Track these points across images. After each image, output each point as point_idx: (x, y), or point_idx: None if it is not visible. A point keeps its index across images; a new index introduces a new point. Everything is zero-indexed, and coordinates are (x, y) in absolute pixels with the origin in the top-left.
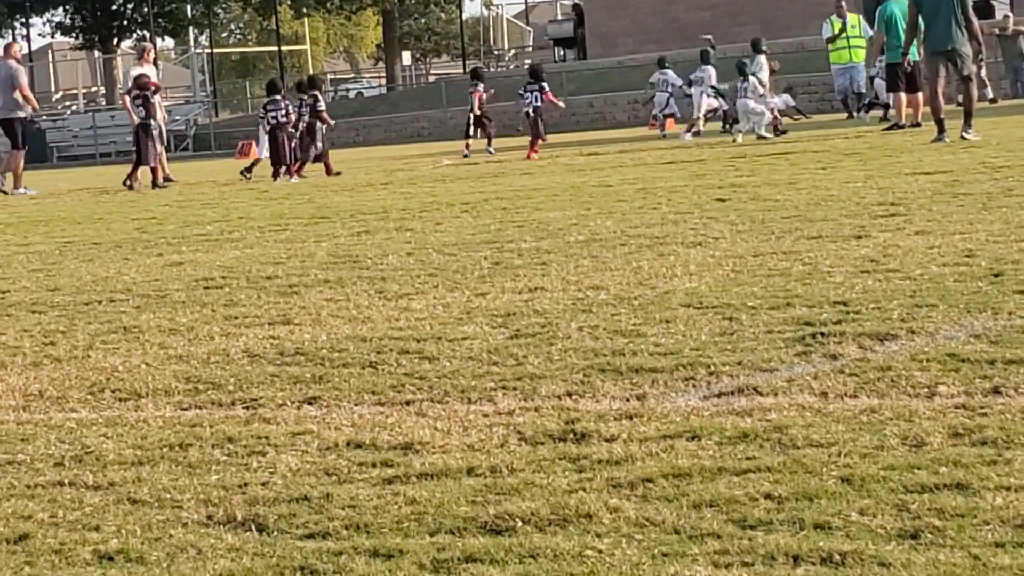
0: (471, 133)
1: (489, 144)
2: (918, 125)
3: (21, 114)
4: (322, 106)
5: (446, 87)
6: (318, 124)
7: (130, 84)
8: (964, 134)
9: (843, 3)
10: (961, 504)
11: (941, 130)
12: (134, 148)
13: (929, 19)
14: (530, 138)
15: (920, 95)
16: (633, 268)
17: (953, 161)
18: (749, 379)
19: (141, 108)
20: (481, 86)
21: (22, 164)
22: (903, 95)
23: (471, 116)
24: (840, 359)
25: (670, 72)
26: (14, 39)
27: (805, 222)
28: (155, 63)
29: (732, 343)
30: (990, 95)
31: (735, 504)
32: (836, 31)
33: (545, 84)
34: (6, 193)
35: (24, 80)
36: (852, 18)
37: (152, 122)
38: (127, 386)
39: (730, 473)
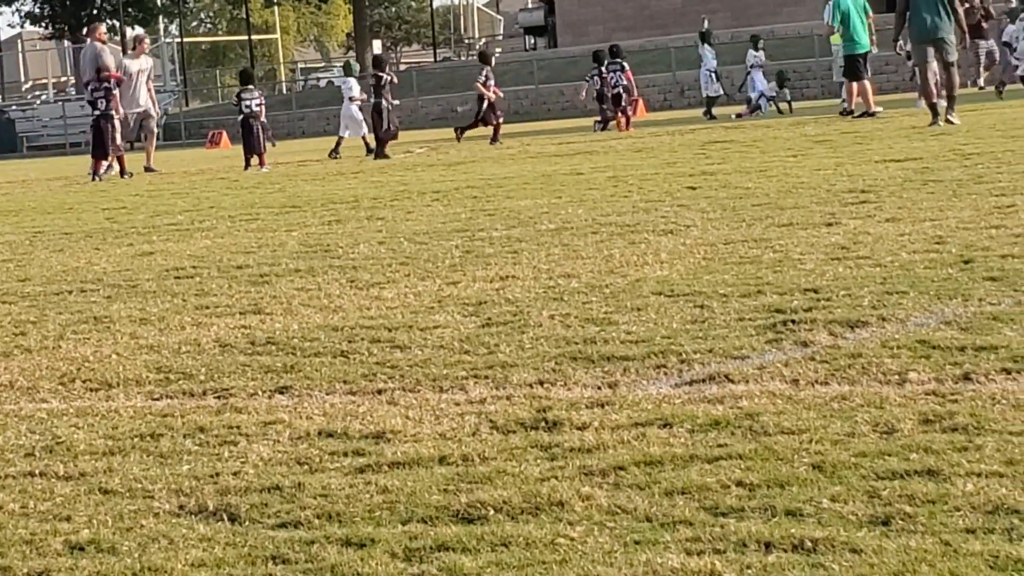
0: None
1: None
2: (872, 114)
3: None
4: (384, 85)
5: (416, 76)
6: (383, 103)
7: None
8: (948, 118)
9: None
10: (932, 490)
11: (935, 115)
12: (90, 140)
13: (916, 8)
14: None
15: (865, 84)
16: (604, 256)
17: (923, 148)
18: (720, 367)
19: (102, 99)
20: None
21: None
22: (855, 84)
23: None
24: (811, 346)
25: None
26: None
27: (776, 210)
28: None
29: (703, 331)
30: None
31: (707, 491)
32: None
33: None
34: None
35: None
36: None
37: (113, 113)
38: (98, 376)
39: (702, 461)
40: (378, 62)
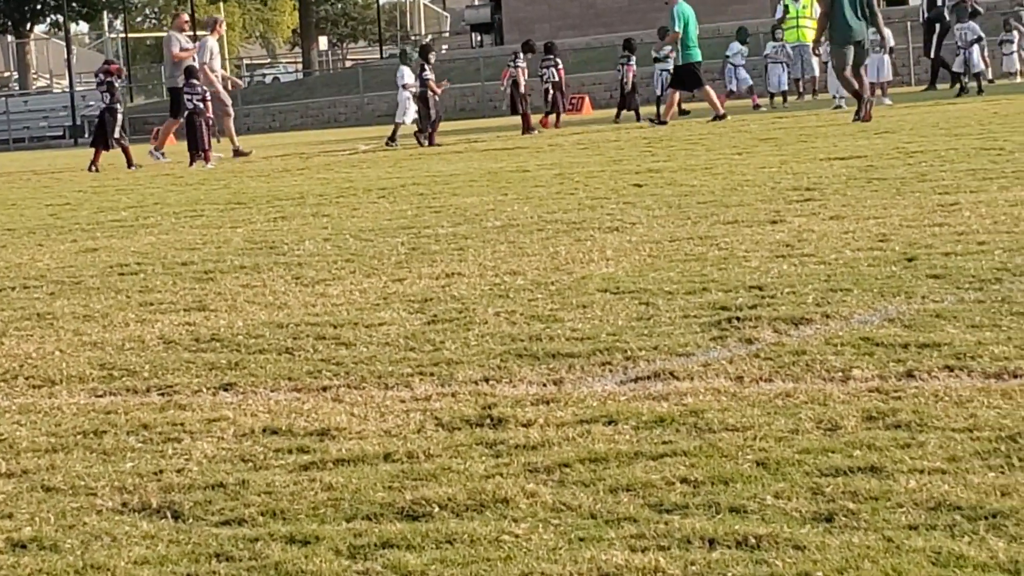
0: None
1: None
2: (664, 123)
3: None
4: (429, 75)
5: (363, 72)
6: (428, 92)
7: (207, 56)
8: (882, 101)
9: None
10: (875, 487)
11: (861, 107)
12: (94, 132)
13: (838, 11)
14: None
15: (675, 96)
16: (550, 253)
17: (867, 146)
18: (665, 364)
19: (107, 93)
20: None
21: (172, 131)
22: (710, 89)
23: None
24: (755, 343)
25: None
26: None
27: (721, 207)
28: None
29: (649, 328)
30: (990, 76)
31: (651, 488)
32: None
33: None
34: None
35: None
36: None
37: (118, 106)
38: (40, 373)
39: (646, 457)
40: (424, 51)
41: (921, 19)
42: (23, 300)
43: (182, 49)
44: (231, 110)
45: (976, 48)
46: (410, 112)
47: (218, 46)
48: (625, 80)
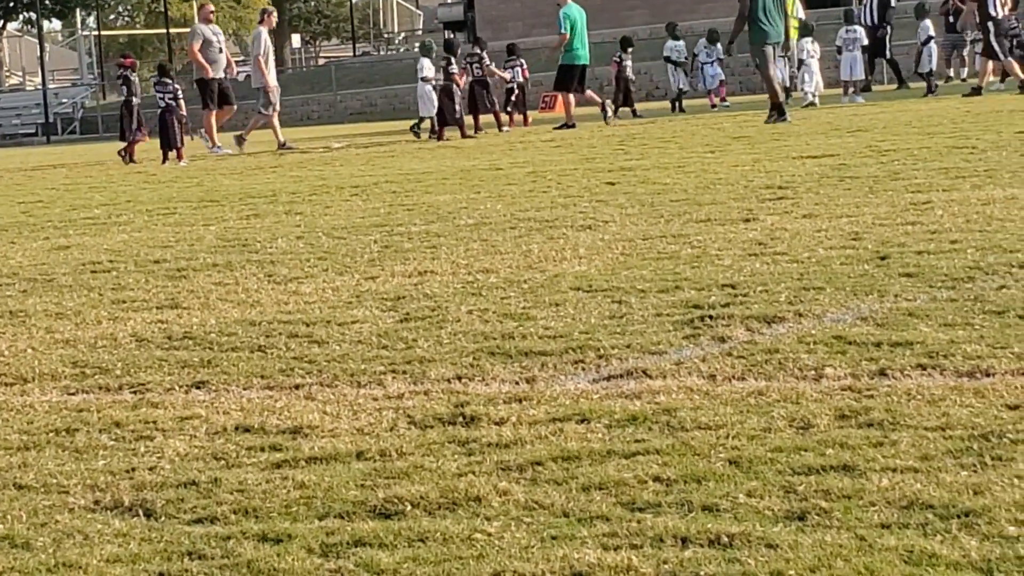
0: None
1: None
2: (573, 126)
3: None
4: (454, 69)
5: (336, 70)
6: (454, 87)
7: (261, 48)
8: (855, 99)
9: None
10: (847, 486)
11: (782, 112)
12: (122, 126)
13: (758, 13)
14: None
15: (570, 98)
16: (523, 251)
17: (840, 145)
18: (638, 362)
19: (123, 87)
20: (521, 61)
21: (213, 122)
22: (572, 96)
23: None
24: (728, 342)
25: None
26: None
27: (694, 205)
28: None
29: (621, 326)
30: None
31: (624, 487)
32: None
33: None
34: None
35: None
36: None
37: (134, 99)
38: (13, 371)
39: (619, 456)
40: (449, 46)
41: (868, 20)
42: None
43: (204, 42)
44: (278, 106)
45: (928, 47)
46: (426, 106)
47: (270, 37)
48: (622, 76)
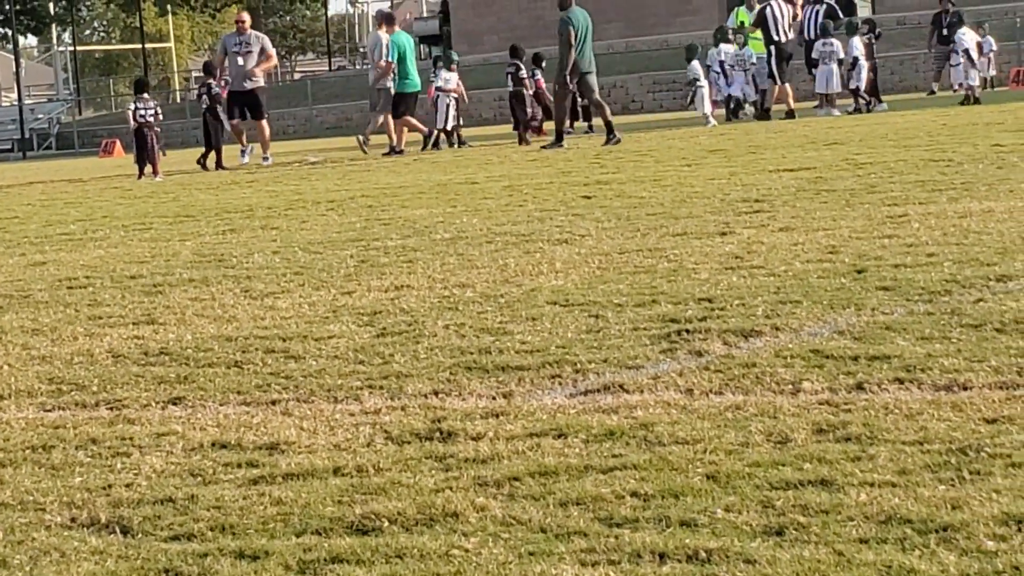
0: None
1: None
2: (401, 152)
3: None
4: (523, 74)
5: (312, 85)
6: (524, 91)
7: (384, 51)
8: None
9: None
10: (825, 500)
11: (560, 138)
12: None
13: (582, 43)
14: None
15: (389, 119)
16: (499, 266)
17: (816, 158)
18: (615, 376)
19: (205, 96)
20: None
21: (267, 132)
22: (392, 119)
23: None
24: (705, 356)
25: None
26: None
27: (670, 219)
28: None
29: (598, 340)
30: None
31: (601, 502)
32: (739, 22)
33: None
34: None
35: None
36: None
37: (218, 108)
38: None
39: (596, 471)
40: (515, 52)
41: (809, 36)
42: None
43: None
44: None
45: (859, 65)
46: (450, 117)
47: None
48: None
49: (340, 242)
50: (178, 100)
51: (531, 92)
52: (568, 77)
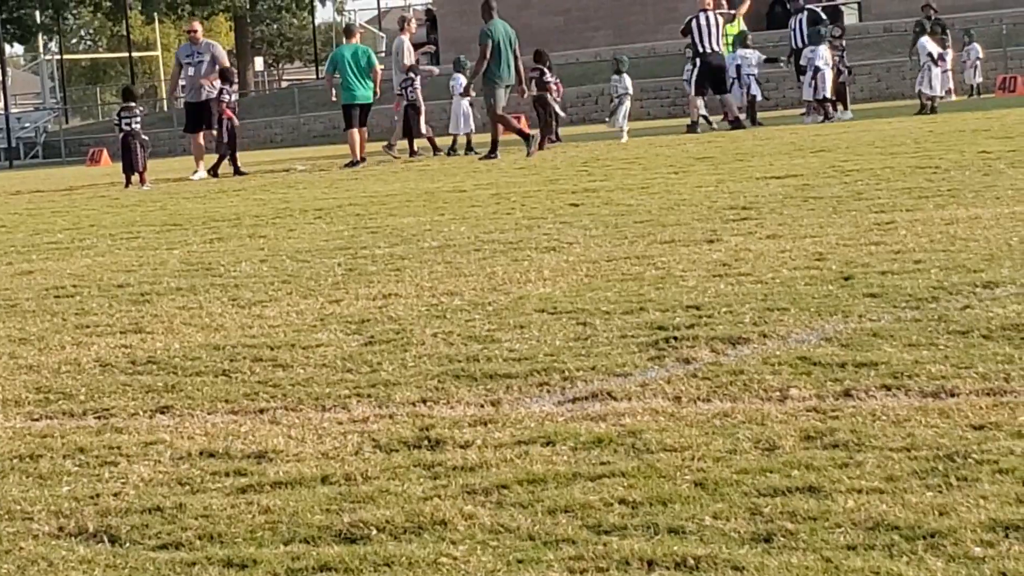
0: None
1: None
2: (359, 162)
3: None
4: (548, 78)
5: (299, 93)
6: (548, 96)
7: (404, 58)
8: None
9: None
10: (813, 507)
11: (495, 149)
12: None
13: (498, 56)
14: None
15: (354, 134)
16: (487, 274)
17: (803, 165)
18: (603, 384)
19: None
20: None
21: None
22: (355, 132)
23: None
24: (693, 363)
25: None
26: None
27: (658, 226)
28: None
29: (586, 348)
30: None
31: (590, 510)
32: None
33: None
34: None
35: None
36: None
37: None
38: None
39: (585, 478)
40: (539, 56)
41: (796, 43)
42: None
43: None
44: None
45: (822, 73)
46: (459, 122)
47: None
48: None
49: (328, 250)
50: (165, 108)
51: (557, 96)
52: (524, 87)
